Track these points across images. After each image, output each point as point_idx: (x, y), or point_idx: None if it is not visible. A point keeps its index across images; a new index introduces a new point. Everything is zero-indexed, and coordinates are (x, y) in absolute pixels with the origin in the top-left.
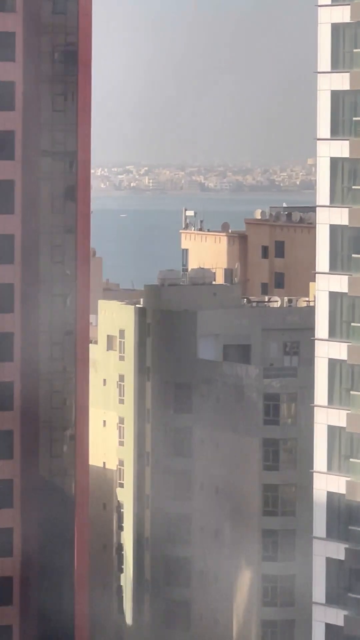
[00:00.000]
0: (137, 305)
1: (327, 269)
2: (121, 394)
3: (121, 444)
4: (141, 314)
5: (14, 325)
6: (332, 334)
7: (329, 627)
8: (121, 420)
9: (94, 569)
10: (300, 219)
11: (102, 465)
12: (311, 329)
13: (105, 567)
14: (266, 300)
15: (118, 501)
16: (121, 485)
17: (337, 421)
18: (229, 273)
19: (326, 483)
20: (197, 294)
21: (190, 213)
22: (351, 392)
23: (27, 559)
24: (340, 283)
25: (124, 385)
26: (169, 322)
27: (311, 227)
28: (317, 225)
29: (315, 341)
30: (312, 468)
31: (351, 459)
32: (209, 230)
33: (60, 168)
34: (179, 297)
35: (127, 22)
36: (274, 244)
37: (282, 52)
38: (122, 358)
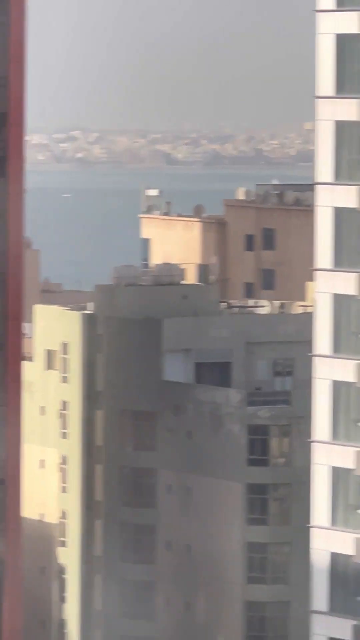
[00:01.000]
0: (85, 312)
1: (329, 265)
2: (64, 426)
3: (64, 490)
4: (90, 322)
5: None
6: (337, 348)
7: None
8: (64, 460)
9: None
10: (295, 200)
11: (39, 517)
12: (309, 342)
13: None
14: (251, 305)
15: (59, 565)
16: (64, 544)
17: (342, 462)
18: (203, 270)
19: (328, 541)
20: (162, 297)
21: (153, 192)
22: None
23: None
24: (346, 283)
25: (67, 415)
26: (125, 333)
27: (309, 210)
28: (316, 208)
29: (314, 358)
30: (310, 522)
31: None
32: (177, 215)
33: None
34: (139, 300)
35: None
36: (261, 232)
37: None
38: (65, 380)
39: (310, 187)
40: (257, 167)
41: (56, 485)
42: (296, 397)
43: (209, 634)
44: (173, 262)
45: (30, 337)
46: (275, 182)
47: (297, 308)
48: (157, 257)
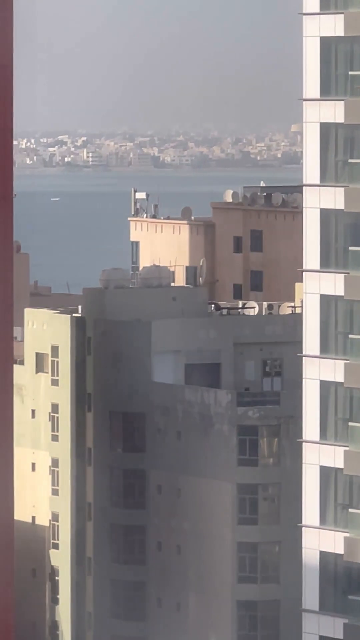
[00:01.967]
0: (75, 315)
1: (317, 266)
2: (55, 429)
3: (55, 492)
4: (80, 325)
5: None
6: (325, 349)
7: None
8: (55, 463)
9: None
10: (282, 202)
11: (30, 520)
12: (298, 342)
13: None
14: (240, 306)
15: (52, 566)
16: (55, 546)
17: (331, 461)
18: (191, 272)
19: (318, 540)
20: (151, 300)
21: (141, 195)
22: (350, 424)
23: None
24: (334, 283)
25: (58, 418)
26: (115, 335)
27: (297, 212)
28: (304, 210)
29: (303, 358)
30: (300, 521)
31: (350, 510)
32: (165, 218)
33: None
34: (128, 303)
35: None
36: (249, 234)
37: None
38: (55, 382)
39: (296, 189)
40: (244, 169)
41: (47, 487)
42: (285, 397)
43: (200, 634)
44: (162, 264)
45: (21, 341)
46: (262, 184)
47: (285, 309)
48: (145, 260)
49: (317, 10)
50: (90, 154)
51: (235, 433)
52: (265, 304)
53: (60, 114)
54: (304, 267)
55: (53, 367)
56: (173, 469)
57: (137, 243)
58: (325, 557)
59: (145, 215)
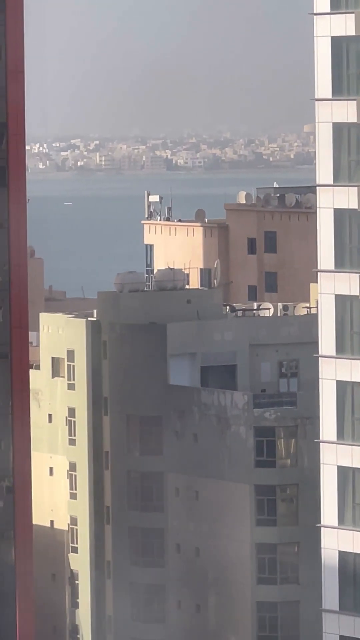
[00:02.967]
0: (90, 319)
1: (332, 266)
2: (72, 433)
3: (73, 496)
4: (95, 329)
5: None
6: (341, 349)
7: None
8: (72, 467)
9: None
10: (296, 203)
11: (49, 524)
12: (313, 343)
13: None
14: (255, 307)
15: (71, 570)
16: (74, 550)
17: (349, 461)
18: (206, 274)
19: (337, 540)
20: (166, 302)
21: (154, 198)
22: None
23: None
24: (349, 283)
25: (75, 422)
26: (130, 338)
27: (310, 212)
28: (317, 210)
29: (319, 359)
30: (319, 522)
31: None
32: (179, 220)
33: None
34: (143, 306)
35: None
36: (263, 235)
37: None
38: (71, 387)
39: (309, 189)
40: (257, 170)
41: (65, 492)
42: (302, 398)
43: (220, 636)
44: (176, 267)
45: (36, 346)
46: (275, 185)
47: (301, 309)
48: (160, 263)
49: (328, 10)
50: (103, 158)
51: (252, 435)
52: (280, 305)
53: (73, 118)
54: (319, 268)
55: (69, 371)
56: (191, 471)
57: (151, 246)
58: (344, 557)
59: (158, 218)
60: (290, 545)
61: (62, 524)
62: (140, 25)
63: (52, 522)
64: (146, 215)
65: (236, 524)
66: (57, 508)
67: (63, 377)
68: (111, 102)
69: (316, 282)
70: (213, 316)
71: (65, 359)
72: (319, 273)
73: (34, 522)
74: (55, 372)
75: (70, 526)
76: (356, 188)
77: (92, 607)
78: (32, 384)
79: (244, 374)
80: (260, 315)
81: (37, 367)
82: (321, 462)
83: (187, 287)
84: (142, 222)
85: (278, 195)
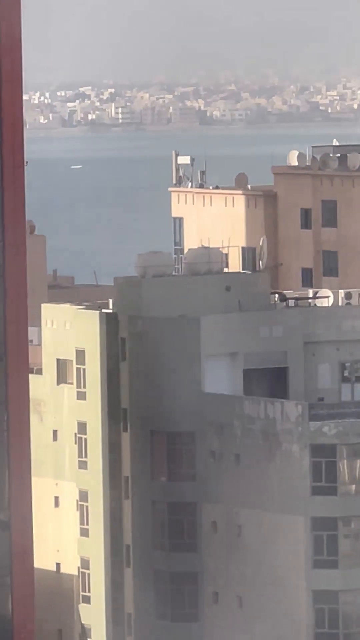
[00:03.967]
0: (104, 311)
1: None
2: (82, 454)
3: (84, 533)
4: (111, 323)
5: None
6: None
7: None
8: (83, 496)
9: None
10: None
11: (54, 568)
12: None
13: None
14: (311, 296)
15: (82, 625)
16: (86, 600)
17: None
18: (249, 254)
19: None
20: (199, 290)
21: (184, 160)
22: None
23: None
24: None
25: (86, 440)
26: (155, 335)
27: None
28: None
29: None
30: None
31: None
32: (215, 188)
33: None
34: (171, 295)
35: None
36: (319, 205)
37: None
38: (82, 396)
39: None
40: (312, 124)
41: (75, 527)
42: None
43: None
44: (212, 245)
45: (38, 345)
46: (335, 143)
47: None
48: (191, 241)
49: None
50: (120, 110)
51: (307, 454)
52: (341, 292)
53: (82, 61)
54: None
55: (79, 377)
56: (231, 501)
57: (180, 219)
58: None
59: (190, 184)
60: (356, 593)
61: (70, 568)
62: None
63: (58, 565)
64: (174, 181)
65: (288, 566)
66: (65, 548)
67: (71, 383)
68: (129, 40)
69: None
70: (258, 307)
71: (74, 362)
72: None
73: (35, 565)
74: (62, 378)
75: (81, 570)
76: None
77: None
78: (33, 393)
79: (297, 378)
80: (317, 305)
81: (39, 372)
82: None
83: (225, 270)
84: (170, 189)
85: (339, 155)
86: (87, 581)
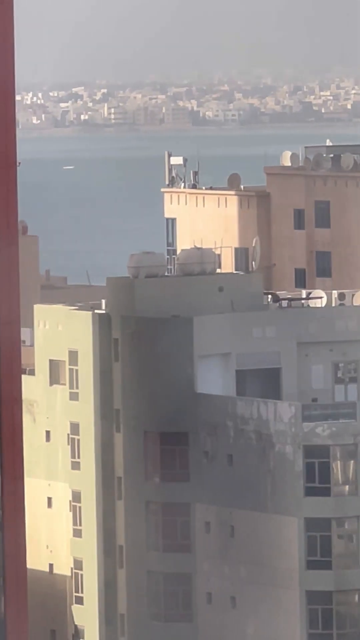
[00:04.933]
0: (97, 311)
1: None
2: (75, 455)
3: (77, 534)
4: (104, 324)
5: None
6: None
7: None
8: (76, 497)
9: None
10: (354, 165)
11: (47, 569)
12: None
13: None
14: (304, 296)
15: (75, 627)
16: (79, 601)
17: None
18: (242, 255)
19: None
20: (192, 290)
21: (177, 160)
22: None
23: None
24: None
25: (78, 441)
26: (148, 336)
27: None
28: None
29: None
30: None
31: None
32: (208, 188)
33: None
34: (164, 295)
35: None
36: (313, 206)
37: None
38: (74, 397)
39: None
40: (305, 125)
41: (68, 528)
42: None
43: None
44: (205, 245)
45: (30, 345)
46: (329, 143)
47: None
48: (184, 241)
49: None
50: (112, 110)
51: (301, 455)
52: (335, 292)
53: (74, 61)
54: None
55: (71, 378)
56: (224, 501)
57: (173, 220)
58: None
59: (182, 185)
60: (350, 594)
61: (63, 569)
62: None
63: (51, 565)
64: (167, 182)
65: (282, 567)
66: (58, 548)
67: (64, 384)
68: (122, 40)
69: None
70: (251, 307)
71: (67, 362)
72: None
73: (28, 566)
74: (55, 379)
75: (74, 571)
76: None
77: None
78: (26, 394)
79: (290, 379)
80: (311, 305)
81: (32, 373)
82: None
83: (218, 271)
84: (162, 190)
85: (332, 155)
86: (80, 582)
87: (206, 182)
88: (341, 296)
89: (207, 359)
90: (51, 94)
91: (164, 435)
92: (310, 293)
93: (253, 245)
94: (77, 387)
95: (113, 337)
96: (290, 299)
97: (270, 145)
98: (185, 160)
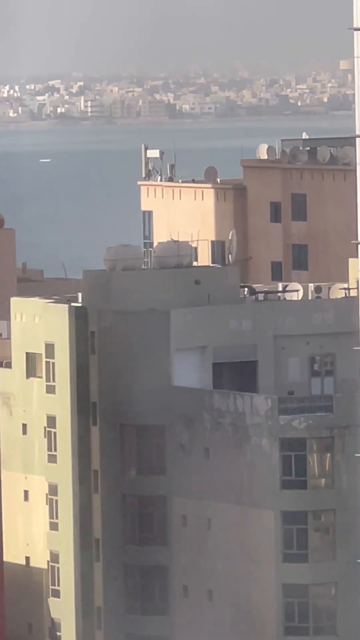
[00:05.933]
0: (74, 304)
1: None
2: (52, 448)
3: (54, 527)
4: (80, 317)
5: None
6: None
7: None
8: (53, 490)
9: None
10: (330, 158)
11: (24, 562)
12: (353, 333)
13: None
14: (280, 289)
15: (52, 620)
16: (56, 594)
17: None
18: (219, 248)
19: None
20: (168, 284)
21: (153, 153)
22: None
23: None
24: None
25: (55, 434)
26: (124, 329)
27: (348, 169)
28: (357, 167)
29: None
30: None
31: None
32: (185, 181)
33: None
34: (140, 288)
35: None
36: (289, 199)
37: None
38: (51, 389)
39: (347, 141)
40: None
41: (44, 521)
42: (339, 402)
43: None
44: (181, 239)
45: (7, 338)
46: (304, 136)
47: (337, 291)
48: (160, 234)
49: None
50: (89, 103)
51: (277, 448)
52: (311, 285)
53: (51, 54)
54: (359, 239)
55: (48, 371)
56: (201, 495)
57: (149, 213)
58: None
59: (159, 178)
60: (326, 587)
61: (40, 562)
62: None
63: (27, 559)
64: (143, 175)
65: (258, 560)
66: (34, 541)
67: (40, 377)
68: (99, 33)
69: (356, 256)
70: (228, 300)
71: (43, 355)
72: (359, 246)
73: (5, 559)
74: (31, 372)
75: (51, 564)
76: None
77: None
78: (2, 386)
79: (266, 372)
80: (287, 298)
81: (8, 365)
82: None
83: (194, 264)
84: (139, 183)
85: (308, 148)
86: (56, 575)
87: (182, 175)
88: (317, 289)
89: (183, 352)
90: (28, 87)
91: (141, 428)
92: (286, 286)
93: (229, 238)
94: (53, 380)
95: (90, 330)
96: (266, 292)
97: (247, 138)
98: (161, 153)
